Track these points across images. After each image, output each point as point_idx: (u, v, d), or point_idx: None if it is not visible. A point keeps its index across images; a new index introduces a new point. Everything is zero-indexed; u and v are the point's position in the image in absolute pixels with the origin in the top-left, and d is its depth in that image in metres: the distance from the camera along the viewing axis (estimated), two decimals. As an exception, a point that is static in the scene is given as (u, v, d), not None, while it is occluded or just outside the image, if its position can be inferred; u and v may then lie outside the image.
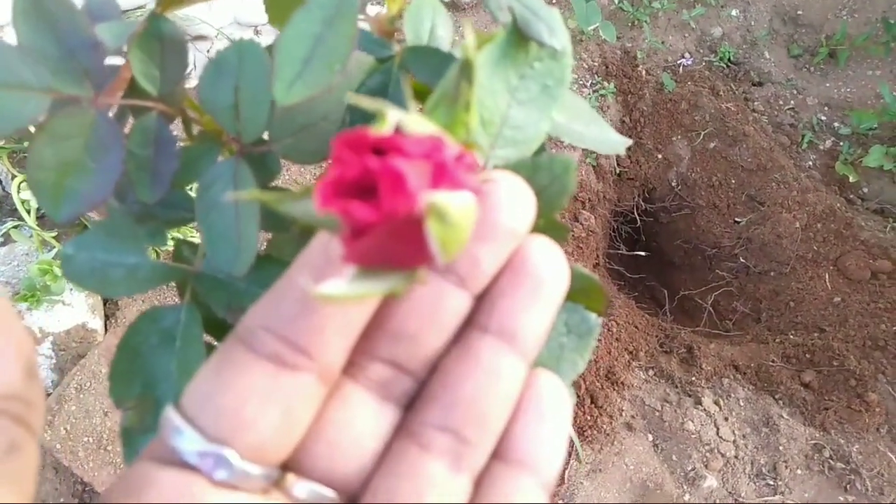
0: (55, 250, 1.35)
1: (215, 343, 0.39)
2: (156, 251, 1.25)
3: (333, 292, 0.17)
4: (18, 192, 1.26)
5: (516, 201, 0.20)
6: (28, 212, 1.29)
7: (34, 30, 0.29)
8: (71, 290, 1.38)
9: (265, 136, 0.33)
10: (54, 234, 1.35)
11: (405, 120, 0.18)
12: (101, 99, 0.31)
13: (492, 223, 0.20)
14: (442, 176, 0.17)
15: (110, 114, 0.33)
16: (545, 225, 0.23)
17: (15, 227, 1.33)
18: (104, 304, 1.47)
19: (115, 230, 0.37)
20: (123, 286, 0.36)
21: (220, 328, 0.38)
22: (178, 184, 0.34)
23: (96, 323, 1.42)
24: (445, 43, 0.30)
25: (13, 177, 1.30)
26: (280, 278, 0.20)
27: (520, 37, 0.25)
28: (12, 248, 1.38)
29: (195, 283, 0.36)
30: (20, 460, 0.19)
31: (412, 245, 0.17)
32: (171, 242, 0.43)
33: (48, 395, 1.34)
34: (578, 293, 0.27)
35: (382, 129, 0.17)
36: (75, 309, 1.39)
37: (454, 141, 0.19)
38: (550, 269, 0.21)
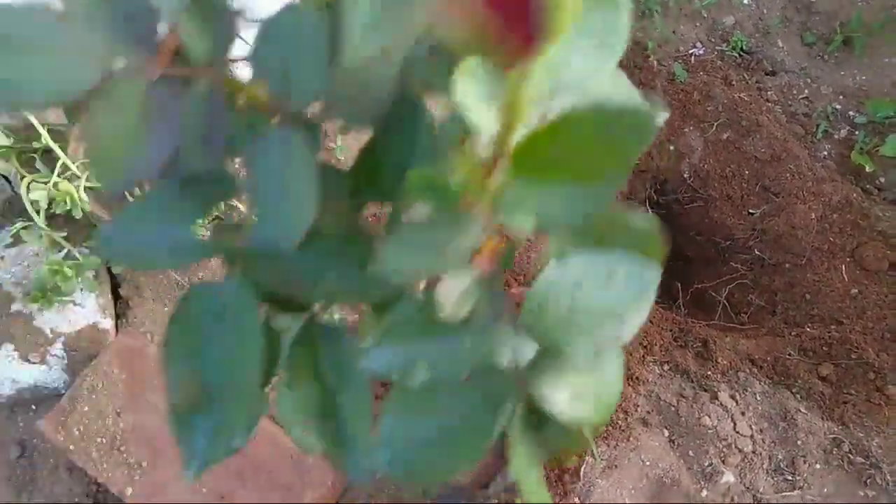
0: (65, 251, 1.34)
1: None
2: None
3: None
4: (28, 193, 1.25)
5: None
6: (37, 212, 1.28)
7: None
8: (81, 289, 1.37)
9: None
10: (64, 234, 1.34)
11: None
12: (154, 66, 0.30)
13: None
14: None
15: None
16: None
17: (24, 227, 1.33)
18: (115, 304, 1.46)
19: (157, 205, 0.36)
20: (168, 258, 0.36)
21: (272, 300, 0.37)
22: (228, 153, 0.33)
23: (107, 323, 1.41)
24: None
25: (22, 177, 1.29)
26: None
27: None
28: (22, 249, 1.38)
29: (243, 255, 0.35)
30: None
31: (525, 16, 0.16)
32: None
33: (60, 395, 1.34)
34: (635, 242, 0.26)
35: None
36: (86, 309, 1.39)
37: None
38: None
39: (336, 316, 0.66)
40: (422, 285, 0.46)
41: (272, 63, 0.31)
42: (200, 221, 0.39)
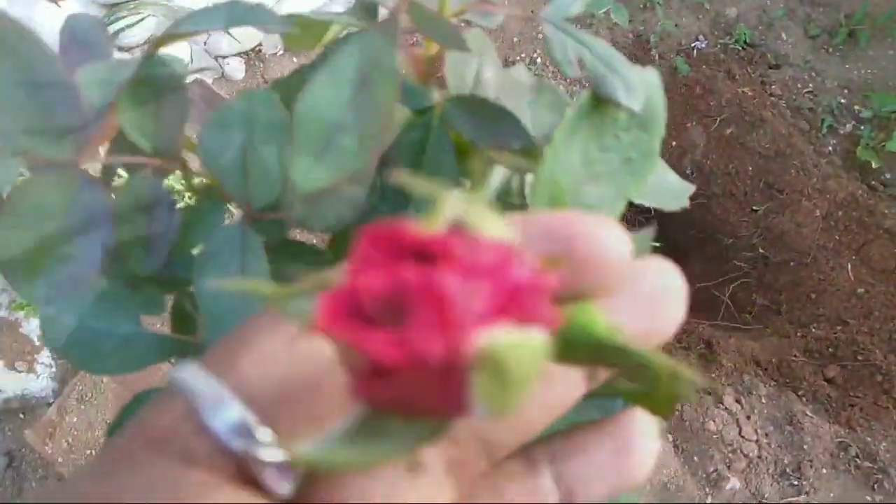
0: (52, 256, 1.30)
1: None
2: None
3: (321, 455, 0.12)
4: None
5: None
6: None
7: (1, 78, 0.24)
8: (70, 296, 1.33)
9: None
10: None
11: (470, 213, 0.12)
12: (85, 159, 0.26)
13: None
14: (510, 303, 0.11)
15: (95, 171, 0.28)
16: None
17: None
18: (105, 310, 1.42)
19: (106, 294, 0.32)
20: (114, 361, 0.31)
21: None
22: (178, 250, 0.29)
23: (97, 330, 1.37)
24: (493, 87, 0.25)
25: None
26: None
27: (599, 100, 0.20)
28: (8, 254, 1.33)
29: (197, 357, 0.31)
30: None
31: (447, 391, 0.12)
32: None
33: (49, 404, 1.30)
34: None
35: (433, 224, 0.12)
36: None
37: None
38: None
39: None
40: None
41: (227, 156, 0.27)
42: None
